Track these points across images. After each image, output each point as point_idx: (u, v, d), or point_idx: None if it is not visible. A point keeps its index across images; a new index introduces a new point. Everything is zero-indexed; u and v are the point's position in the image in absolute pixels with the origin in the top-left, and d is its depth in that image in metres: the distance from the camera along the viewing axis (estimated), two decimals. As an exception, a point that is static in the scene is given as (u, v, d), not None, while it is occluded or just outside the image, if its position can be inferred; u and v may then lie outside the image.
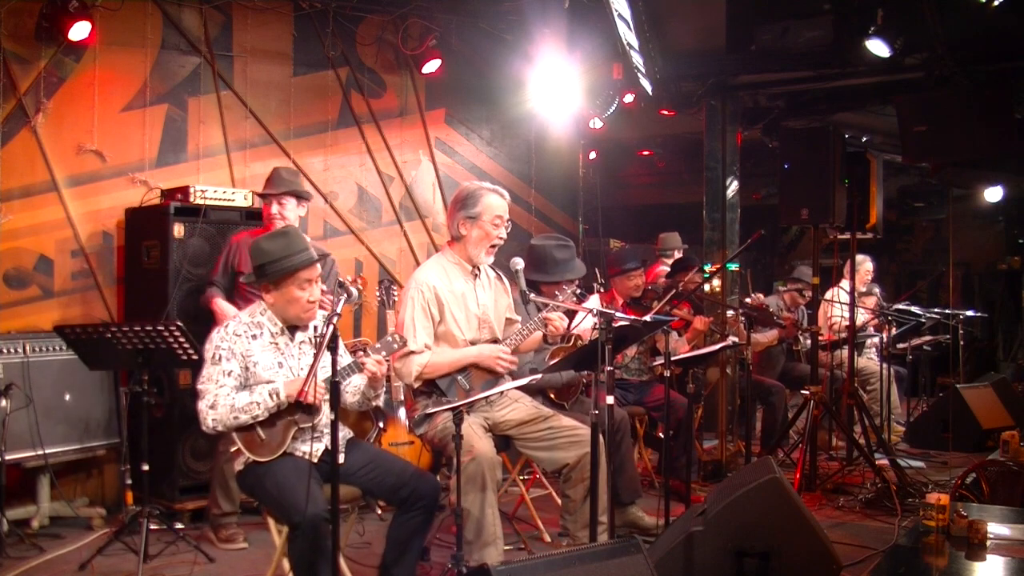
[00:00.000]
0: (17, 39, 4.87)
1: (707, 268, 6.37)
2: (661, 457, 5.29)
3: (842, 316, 6.64)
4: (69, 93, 5.06)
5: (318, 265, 3.39)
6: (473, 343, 3.87)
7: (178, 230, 4.79)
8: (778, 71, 6.39)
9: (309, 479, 2.99)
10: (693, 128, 7.11)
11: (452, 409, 3.39)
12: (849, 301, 6.14)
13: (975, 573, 3.17)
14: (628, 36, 5.90)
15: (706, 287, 6.26)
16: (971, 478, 4.44)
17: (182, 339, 3.94)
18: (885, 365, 6.76)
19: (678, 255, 6.76)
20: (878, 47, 5.64)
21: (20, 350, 4.54)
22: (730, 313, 6.06)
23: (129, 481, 4.40)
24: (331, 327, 2.85)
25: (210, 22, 5.57)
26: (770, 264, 10.76)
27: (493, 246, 3.90)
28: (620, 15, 5.75)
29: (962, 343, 7.34)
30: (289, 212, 4.59)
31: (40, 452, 4.51)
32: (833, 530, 4.58)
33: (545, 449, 3.88)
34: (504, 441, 3.93)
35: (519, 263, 3.87)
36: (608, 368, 3.32)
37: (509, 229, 3.94)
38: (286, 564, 3.26)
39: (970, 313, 7.46)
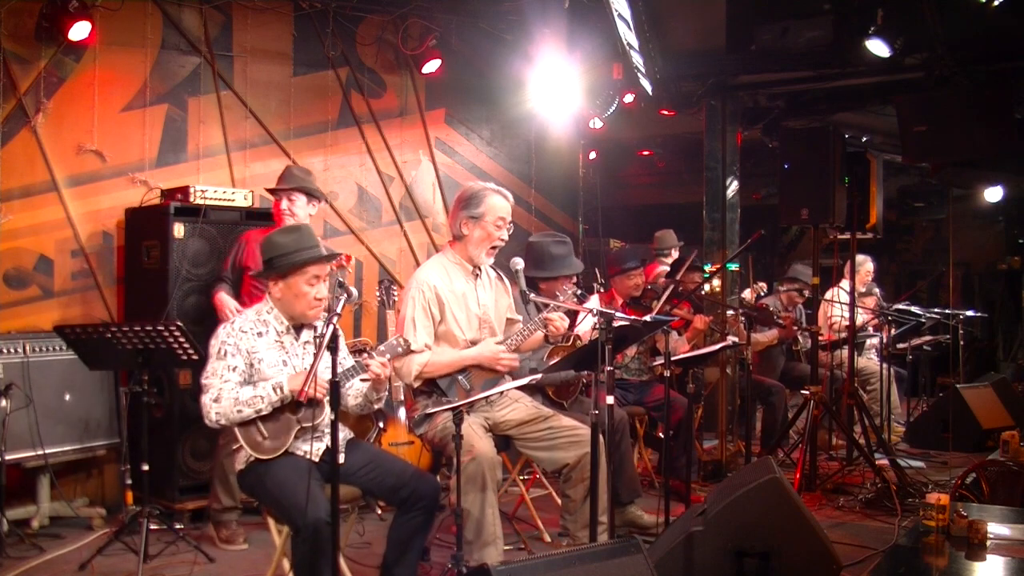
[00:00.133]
0: (17, 39, 4.87)
1: (707, 268, 6.37)
2: (661, 457, 5.29)
3: (842, 316, 6.64)
4: (69, 93, 5.06)
5: (328, 266, 3.41)
6: (474, 343, 3.87)
7: (178, 230, 4.79)
8: (778, 71, 6.38)
9: (309, 479, 2.99)
10: (693, 128, 7.11)
11: (452, 409, 3.39)
12: (849, 301, 6.14)
13: (975, 573, 3.17)
14: (628, 36, 5.91)
15: (706, 287, 6.26)
16: (971, 478, 4.44)
17: (182, 339, 3.94)
18: (885, 365, 6.76)
19: (675, 254, 6.76)
20: (878, 47, 5.64)
21: (20, 350, 4.54)
22: (730, 313, 6.07)
23: (129, 481, 4.40)
24: (331, 327, 2.85)
25: (210, 22, 5.57)
26: (770, 264, 10.76)
27: (494, 247, 3.90)
28: (620, 15, 5.75)
29: (962, 343, 7.34)
30: (299, 209, 4.60)
31: (40, 452, 4.51)
32: (833, 530, 4.58)
33: (545, 449, 3.88)
34: (504, 441, 3.93)
35: (519, 263, 3.87)
36: (608, 368, 3.32)
37: (511, 231, 3.94)
38: (286, 564, 3.26)
39: (970, 313, 7.46)
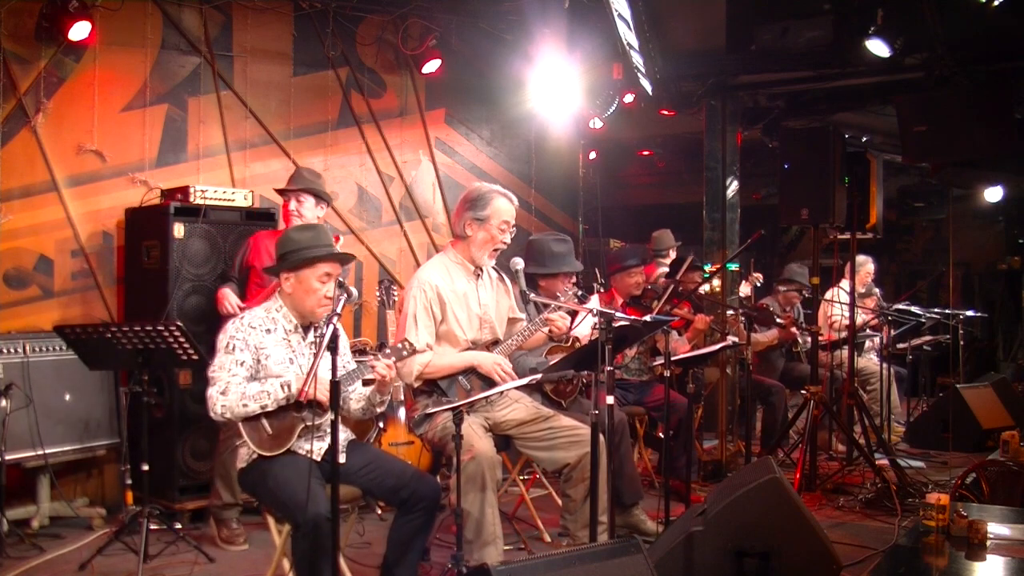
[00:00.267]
0: (17, 39, 4.87)
1: (707, 268, 6.37)
2: (661, 457, 5.29)
3: (842, 316, 6.64)
4: (69, 93, 5.06)
5: (341, 266, 3.44)
6: (474, 343, 3.88)
7: (178, 230, 4.79)
8: (778, 71, 6.39)
9: (310, 477, 3.00)
10: (693, 128, 7.11)
11: (452, 409, 3.39)
12: (849, 301, 6.14)
13: (975, 573, 3.17)
14: (628, 36, 5.91)
15: (706, 287, 6.26)
16: (971, 478, 4.44)
17: (182, 339, 3.93)
18: (885, 365, 6.76)
19: (673, 255, 6.75)
20: (878, 47, 5.64)
21: (20, 350, 4.54)
22: (730, 313, 6.07)
23: (129, 481, 4.39)
24: (331, 327, 2.85)
25: (210, 22, 5.57)
26: (770, 264, 10.76)
27: (496, 250, 3.91)
28: (620, 15, 5.75)
29: (962, 343, 7.35)
30: (307, 211, 4.60)
31: (40, 452, 4.51)
32: (833, 530, 4.58)
33: (545, 449, 3.89)
34: (504, 441, 3.93)
35: (519, 263, 3.87)
36: (608, 368, 3.33)
37: (514, 234, 3.94)
38: (286, 564, 3.26)
39: (970, 313, 7.47)
